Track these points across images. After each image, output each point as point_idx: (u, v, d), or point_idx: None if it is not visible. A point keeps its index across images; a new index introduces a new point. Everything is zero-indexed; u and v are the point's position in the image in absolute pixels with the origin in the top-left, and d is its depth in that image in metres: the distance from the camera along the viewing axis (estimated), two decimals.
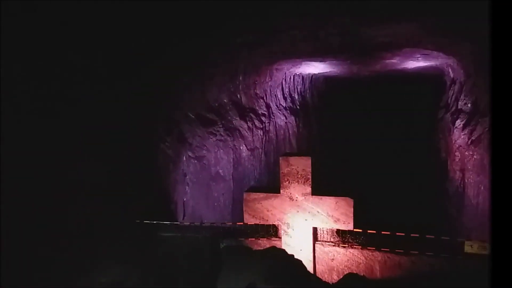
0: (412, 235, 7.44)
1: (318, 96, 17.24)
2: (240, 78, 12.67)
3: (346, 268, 7.80)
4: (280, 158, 8.45)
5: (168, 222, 8.51)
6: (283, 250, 6.79)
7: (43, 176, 6.94)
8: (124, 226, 8.22)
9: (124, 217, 8.37)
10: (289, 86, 15.22)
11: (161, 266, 6.45)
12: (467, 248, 6.96)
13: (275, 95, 14.51)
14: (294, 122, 15.20)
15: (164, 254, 6.74)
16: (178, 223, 8.98)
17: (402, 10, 7.44)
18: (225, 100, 12.19)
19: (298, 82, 15.78)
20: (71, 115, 7.64)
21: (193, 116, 11.20)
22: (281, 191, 8.23)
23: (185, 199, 10.23)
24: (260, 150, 13.23)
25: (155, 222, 8.38)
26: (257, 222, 8.37)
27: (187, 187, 10.38)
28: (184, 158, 10.60)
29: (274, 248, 6.75)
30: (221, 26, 8.39)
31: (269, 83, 14.07)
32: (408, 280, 7.21)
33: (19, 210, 6.43)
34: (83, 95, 7.94)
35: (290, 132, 15.11)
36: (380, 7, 7.34)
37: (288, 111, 14.98)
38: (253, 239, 8.31)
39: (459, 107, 11.21)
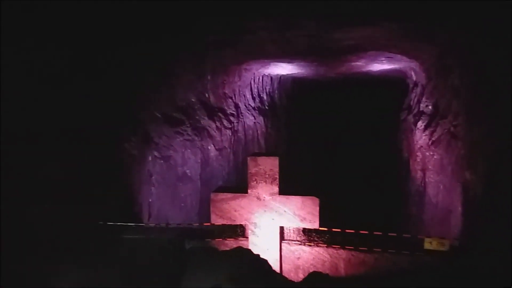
0: (375, 233, 7.66)
1: (286, 97, 17.40)
2: (209, 78, 12.58)
3: (311, 267, 7.92)
4: (248, 158, 8.48)
5: (133, 224, 8.31)
6: (249, 250, 6.80)
7: None
8: (86, 228, 7.95)
9: (85, 219, 8.10)
10: (257, 87, 15.26)
11: (124, 269, 6.28)
12: (427, 245, 7.27)
13: (244, 95, 14.50)
14: (262, 122, 15.24)
15: (127, 257, 6.57)
16: (143, 224, 8.79)
17: (368, 15, 7.65)
18: (192, 100, 12.05)
19: (266, 82, 15.86)
20: (30, 112, 7.32)
21: (159, 115, 10.99)
22: (249, 191, 8.26)
23: (150, 200, 10.01)
24: (229, 150, 13.18)
25: (118, 224, 8.16)
26: (224, 222, 8.35)
27: (152, 187, 10.17)
28: (150, 158, 10.38)
29: (240, 248, 6.75)
30: (189, 25, 8.31)
31: (238, 83, 14.05)
32: (372, 277, 7.41)
33: None
34: (43, 92, 7.63)
35: (258, 132, 15.15)
36: (347, 11, 7.51)
37: (257, 111, 15.02)
38: (220, 239, 8.28)
39: (420, 109, 11.64)
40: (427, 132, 10.80)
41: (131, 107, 10.05)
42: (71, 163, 8.13)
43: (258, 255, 6.71)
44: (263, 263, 6.37)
